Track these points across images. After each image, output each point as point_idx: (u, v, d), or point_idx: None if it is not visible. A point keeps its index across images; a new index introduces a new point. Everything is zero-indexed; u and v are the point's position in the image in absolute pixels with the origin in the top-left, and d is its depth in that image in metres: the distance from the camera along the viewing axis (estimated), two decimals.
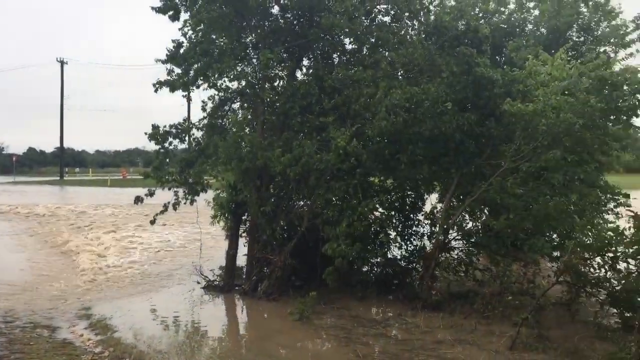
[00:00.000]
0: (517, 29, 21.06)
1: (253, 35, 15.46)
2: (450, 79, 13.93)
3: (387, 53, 15.13)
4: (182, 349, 10.59)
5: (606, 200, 17.28)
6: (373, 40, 15.45)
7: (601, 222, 13.88)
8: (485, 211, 15.67)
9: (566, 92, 13.28)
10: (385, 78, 14.14)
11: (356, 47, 15.90)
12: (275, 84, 15.65)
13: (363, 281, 14.56)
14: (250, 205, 14.66)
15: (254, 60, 15.41)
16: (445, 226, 13.75)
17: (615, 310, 11.40)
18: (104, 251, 22.27)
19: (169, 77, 14.89)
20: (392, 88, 13.67)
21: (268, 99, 14.85)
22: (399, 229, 15.45)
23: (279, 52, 14.35)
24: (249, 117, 15.92)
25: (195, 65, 14.70)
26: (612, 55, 19.54)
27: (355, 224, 13.05)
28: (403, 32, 15.80)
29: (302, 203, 14.96)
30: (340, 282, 13.76)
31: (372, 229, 14.18)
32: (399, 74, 15.01)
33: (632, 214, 10.49)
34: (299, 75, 15.82)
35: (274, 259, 14.18)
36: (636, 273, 10.30)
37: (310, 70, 15.52)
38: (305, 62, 16.06)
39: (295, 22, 15.49)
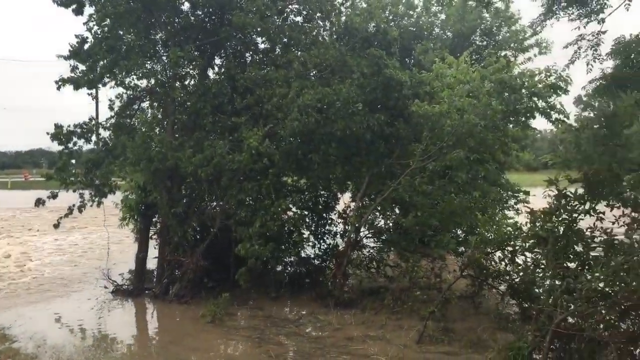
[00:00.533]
0: (425, 32, 21.83)
1: (162, 32, 15.07)
2: (361, 80, 14.21)
3: (299, 53, 15.21)
4: (88, 356, 10.18)
5: (507, 197, 18.26)
6: (285, 40, 15.47)
7: (502, 218, 14.60)
8: (396, 209, 16.10)
9: (470, 95, 13.91)
10: (297, 78, 14.21)
11: (269, 46, 15.89)
12: (186, 82, 15.34)
13: (277, 281, 14.58)
14: (160, 207, 14.31)
15: (164, 58, 15.02)
16: (357, 224, 14.01)
17: (514, 301, 12.03)
18: (3, 258, 20.97)
19: (72, 74, 14.22)
20: (305, 88, 13.78)
21: (179, 98, 14.53)
22: (313, 228, 15.61)
23: (189, 50, 14.08)
24: (159, 116, 15.53)
25: (101, 62, 14.13)
26: (512, 59, 20.67)
27: (269, 224, 13.06)
28: (315, 32, 15.94)
29: (214, 204, 14.76)
30: (253, 283, 13.71)
31: (286, 229, 14.21)
32: (312, 74, 15.13)
33: (529, 210, 11.11)
34: (210, 74, 15.64)
35: (185, 261, 13.93)
36: (533, 265, 10.91)
37: (222, 69, 15.36)
38: (217, 60, 15.90)
39: (206, 20, 15.26)
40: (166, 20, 14.89)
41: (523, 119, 13.91)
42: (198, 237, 14.72)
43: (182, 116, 14.82)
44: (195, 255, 13.82)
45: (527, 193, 17.88)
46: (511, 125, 15.59)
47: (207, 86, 14.33)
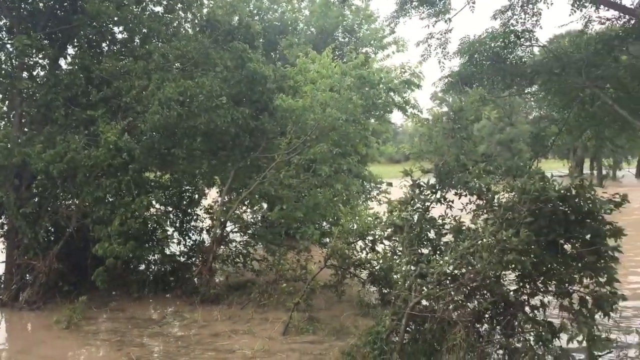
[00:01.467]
0: (290, 27, 22.05)
1: (7, 18, 13.86)
2: (224, 73, 14.06)
3: (160, 44, 14.70)
4: None
5: (370, 189, 19.02)
6: (145, 30, 14.89)
7: (363, 209, 15.17)
8: (264, 203, 16.15)
9: (332, 89, 14.29)
10: (158, 70, 13.72)
11: (127, 36, 15.19)
12: (35, 73, 14.22)
13: (140, 280, 14.01)
14: (7, 207, 13.16)
15: (9, 46, 13.81)
16: (222, 219, 13.86)
17: (375, 288, 12.58)
18: None
19: None
20: (166, 81, 13.36)
21: (26, 90, 13.43)
22: (177, 225, 15.18)
23: (38, 38, 13.06)
24: (4, 109, 14.25)
25: None
26: (372, 55, 21.53)
27: (129, 221, 12.52)
28: (177, 24, 15.51)
29: (69, 202, 13.86)
30: (114, 284, 13.12)
31: (149, 226, 13.70)
32: (174, 66, 14.69)
33: (387, 200, 11.65)
34: (63, 64, 14.60)
35: (37, 265, 12.96)
36: (391, 253, 11.46)
37: (76, 60, 14.40)
38: (71, 50, 14.89)
39: (57, 6, 14.24)
40: (11, 5, 13.69)
41: (381, 113, 14.51)
42: (52, 238, 13.73)
43: (30, 109, 13.73)
44: (48, 257, 12.91)
45: (389, 184, 18.72)
46: (373, 120, 16.24)
47: (59, 77, 13.41)
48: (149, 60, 13.94)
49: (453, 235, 10.61)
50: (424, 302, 9.52)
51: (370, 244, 12.35)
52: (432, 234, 10.98)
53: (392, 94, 13.69)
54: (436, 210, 10.97)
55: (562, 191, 9.25)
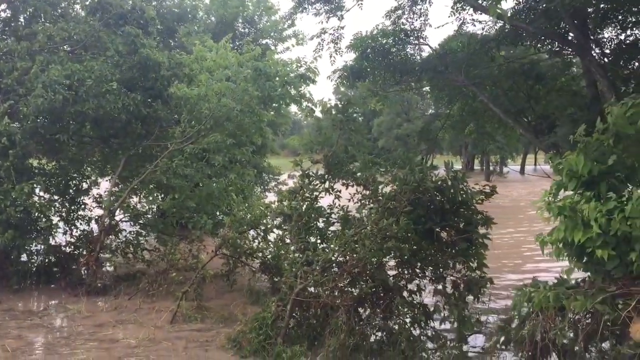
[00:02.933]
0: (190, 15, 21.69)
1: None
2: (116, 58, 13.66)
3: (46, 25, 14.02)
4: None
5: (268, 180, 19.18)
6: (31, 10, 14.16)
7: (257, 199, 15.27)
8: (157, 193, 15.86)
9: (229, 79, 14.28)
10: (43, 52, 13.10)
11: (10, 15, 14.38)
12: None
13: (21, 271, 13.30)
14: None
15: None
16: (111, 209, 13.49)
17: (266, 277, 12.75)
18: None
19: None
20: (51, 63, 12.80)
21: None
22: (64, 214, 14.56)
23: None
24: None
25: None
26: (272, 47, 21.67)
27: (9, 209, 11.92)
28: (65, 4, 14.86)
29: None
30: None
31: (32, 215, 13.07)
32: (61, 49, 14.06)
33: (277, 190, 11.89)
34: None
35: None
36: (281, 242, 11.69)
37: None
38: None
39: None
40: None
41: (280, 104, 14.69)
42: None
43: None
44: None
45: (291, 176, 18.89)
46: (272, 112, 16.38)
47: None
48: (33, 41, 13.27)
49: (341, 224, 11.04)
50: (312, 289, 9.84)
51: (262, 233, 12.53)
52: (320, 223, 11.35)
53: (287, 87, 13.91)
54: (326, 200, 11.34)
55: (439, 182, 9.85)
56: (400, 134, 43.43)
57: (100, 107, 12.94)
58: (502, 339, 7.75)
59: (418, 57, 13.70)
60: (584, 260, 6.04)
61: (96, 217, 14.95)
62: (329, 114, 10.91)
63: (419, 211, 9.90)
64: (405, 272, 10.01)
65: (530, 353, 7.18)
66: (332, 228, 11.20)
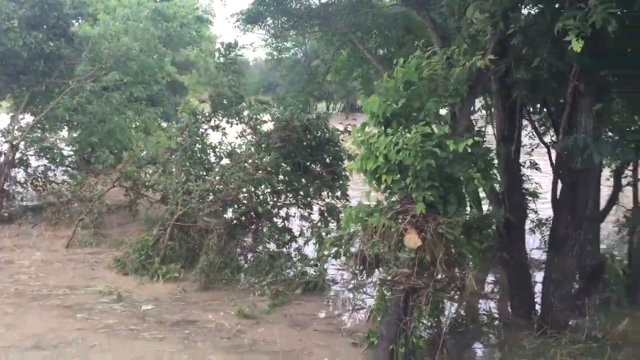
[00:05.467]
0: None
1: None
2: None
3: None
4: None
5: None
6: None
7: (157, 136, 15.94)
8: (64, 128, 16.41)
9: (129, 19, 14.79)
10: None
11: None
12: None
13: None
14: None
15: None
16: (14, 142, 14.08)
17: (165, 207, 13.74)
18: None
19: None
20: None
21: None
22: None
23: None
24: None
25: None
26: None
27: None
28: None
29: None
30: None
31: None
32: None
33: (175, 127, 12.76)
34: None
35: None
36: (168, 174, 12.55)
37: None
38: None
39: None
40: None
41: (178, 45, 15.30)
42: None
43: None
44: None
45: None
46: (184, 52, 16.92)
47: None
48: None
49: (230, 159, 12.12)
50: (206, 219, 10.89)
51: (162, 168, 13.45)
52: (211, 157, 12.39)
53: (187, 28, 14.52)
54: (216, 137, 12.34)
55: (305, 121, 10.99)
56: (293, 78, 43.63)
57: (1, 45, 13.31)
58: (333, 252, 9.08)
59: (314, 3, 14.47)
60: (379, 184, 7.33)
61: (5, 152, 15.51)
62: (212, 56, 11.75)
63: (289, 147, 11.06)
64: (276, 200, 11.25)
65: (361, 266, 8.53)
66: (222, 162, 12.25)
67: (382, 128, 7.13)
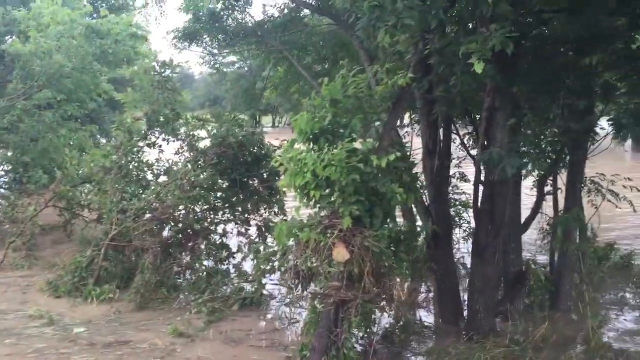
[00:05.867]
0: None
1: None
2: None
3: None
4: None
5: None
6: None
7: (93, 154, 15.64)
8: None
9: (63, 37, 14.57)
10: None
11: None
12: None
13: None
14: None
15: None
16: None
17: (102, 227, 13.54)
18: None
19: None
20: None
21: None
22: None
23: None
24: None
25: None
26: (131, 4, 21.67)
27: None
28: None
29: None
30: None
31: None
32: None
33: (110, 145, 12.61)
34: None
35: None
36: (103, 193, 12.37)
37: None
38: None
39: None
40: None
41: (114, 63, 15.17)
42: None
43: None
44: None
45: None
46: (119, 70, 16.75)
47: None
48: None
49: (167, 176, 12.08)
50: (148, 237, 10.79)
51: (97, 187, 13.24)
52: (149, 175, 12.32)
53: (122, 45, 14.40)
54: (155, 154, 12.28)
55: (240, 138, 11.10)
56: (237, 92, 43.70)
57: None
58: (269, 267, 9.20)
59: (250, 21, 14.64)
60: (308, 200, 7.52)
61: None
62: (147, 74, 11.73)
63: (225, 163, 11.14)
64: (214, 216, 11.28)
65: (295, 280, 8.66)
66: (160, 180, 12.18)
67: (310, 145, 7.34)
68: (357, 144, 7.35)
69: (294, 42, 13.48)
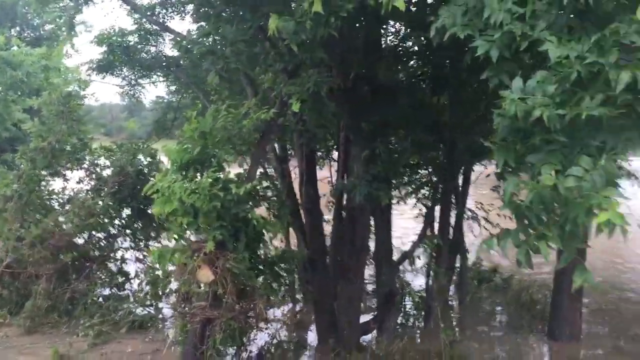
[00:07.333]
0: None
1: None
2: None
3: None
4: None
5: None
6: None
7: None
8: None
9: None
10: None
11: None
12: None
13: None
14: None
15: None
16: None
17: None
18: None
19: None
20: None
21: None
22: None
23: None
24: None
25: None
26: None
27: None
28: None
29: None
30: None
31: None
32: None
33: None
34: None
35: None
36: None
37: None
38: None
39: None
40: None
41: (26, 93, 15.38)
42: None
43: None
44: None
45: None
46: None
47: None
48: None
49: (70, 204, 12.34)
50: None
51: None
52: (55, 204, 12.55)
53: (33, 76, 14.63)
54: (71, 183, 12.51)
55: (138, 167, 11.54)
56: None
57: None
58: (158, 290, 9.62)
59: (161, 55, 15.15)
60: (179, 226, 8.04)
61: None
62: (50, 105, 12.06)
63: (125, 191, 11.53)
64: (112, 243, 11.62)
65: (181, 302, 9.08)
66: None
67: (180, 174, 7.88)
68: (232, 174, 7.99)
69: (200, 76, 14.03)
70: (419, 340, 9.51)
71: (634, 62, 3.81)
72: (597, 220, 3.31)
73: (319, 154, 11.87)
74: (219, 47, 5.87)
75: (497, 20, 4.24)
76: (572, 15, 4.33)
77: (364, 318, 10.24)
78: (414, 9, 6.39)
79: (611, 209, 3.30)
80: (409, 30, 7.82)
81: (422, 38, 7.27)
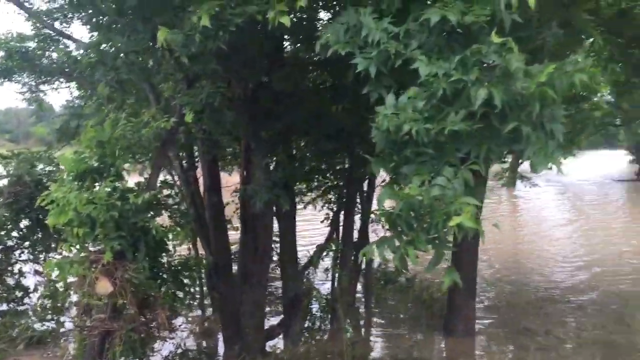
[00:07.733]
0: None
1: None
2: None
3: None
4: None
5: None
6: None
7: None
8: None
9: None
10: None
11: None
12: None
13: None
14: None
15: None
16: None
17: None
18: None
19: None
20: None
21: None
22: None
23: None
24: None
25: None
26: None
27: None
28: None
29: None
30: None
31: None
32: None
33: None
34: None
35: None
36: None
37: None
38: None
39: None
40: None
41: None
42: None
43: None
44: None
45: None
46: None
47: None
48: None
49: None
50: None
51: None
52: None
53: None
54: None
55: (38, 176, 11.15)
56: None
57: None
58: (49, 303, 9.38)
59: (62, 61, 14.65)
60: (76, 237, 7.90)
61: None
62: None
63: (23, 202, 11.08)
64: (9, 255, 11.16)
65: (81, 315, 8.84)
66: None
67: (77, 183, 7.72)
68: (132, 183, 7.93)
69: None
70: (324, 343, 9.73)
71: (493, 80, 4.19)
72: (450, 224, 3.63)
73: (227, 160, 11.95)
74: (111, 57, 5.83)
75: (374, 39, 4.52)
76: (443, 35, 4.68)
77: (272, 323, 10.46)
78: (304, 23, 6.64)
79: (465, 213, 3.63)
80: (298, 45, 8.08)
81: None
